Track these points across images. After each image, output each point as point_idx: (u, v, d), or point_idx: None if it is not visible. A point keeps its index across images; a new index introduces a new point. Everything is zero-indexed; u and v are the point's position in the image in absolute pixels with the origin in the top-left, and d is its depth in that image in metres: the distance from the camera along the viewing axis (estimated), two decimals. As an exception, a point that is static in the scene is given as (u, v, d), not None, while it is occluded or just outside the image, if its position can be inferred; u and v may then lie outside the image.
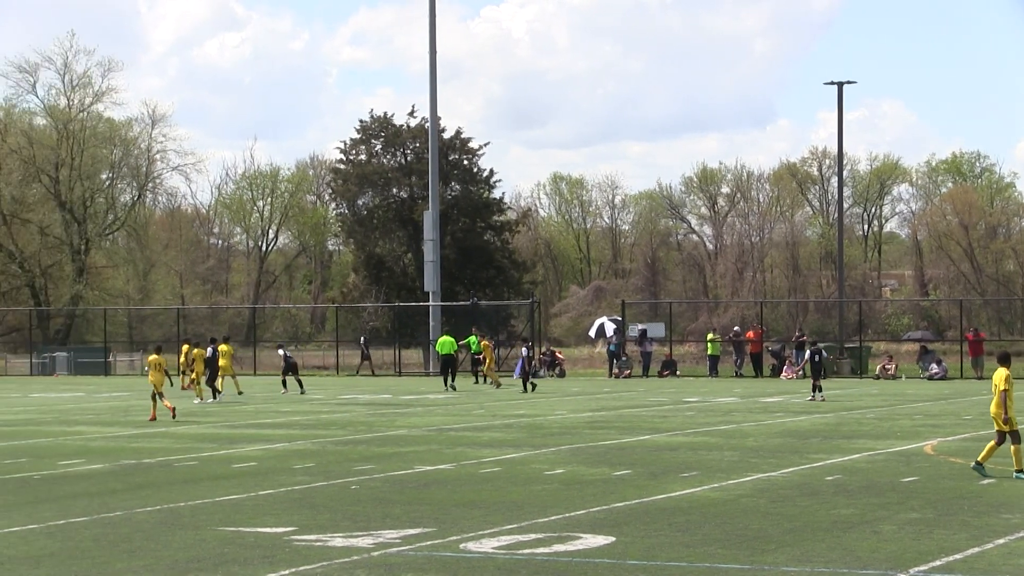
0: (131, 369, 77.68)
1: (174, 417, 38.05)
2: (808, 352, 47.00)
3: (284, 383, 53.02)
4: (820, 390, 45.30)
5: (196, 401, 47.52)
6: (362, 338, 74.49)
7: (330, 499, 21.00)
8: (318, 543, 16.86)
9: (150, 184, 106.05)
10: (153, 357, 40.86)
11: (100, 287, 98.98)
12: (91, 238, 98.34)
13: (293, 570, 15.23)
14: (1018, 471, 22.22)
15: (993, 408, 22.61)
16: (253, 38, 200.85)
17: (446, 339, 57.35)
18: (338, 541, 16.98)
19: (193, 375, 50.04)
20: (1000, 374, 22.61)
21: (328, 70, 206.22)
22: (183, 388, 52.29)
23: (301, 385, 52.44)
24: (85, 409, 44.64)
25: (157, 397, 39.31)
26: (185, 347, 54.61)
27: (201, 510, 19.99)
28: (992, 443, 22.55)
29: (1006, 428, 22.33)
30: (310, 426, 35.84)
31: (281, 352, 55.87)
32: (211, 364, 49.71)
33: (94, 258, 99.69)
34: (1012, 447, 22.33)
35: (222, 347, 51.28)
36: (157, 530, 18.12)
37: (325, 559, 15.80)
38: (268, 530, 17.93)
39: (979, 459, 22.57)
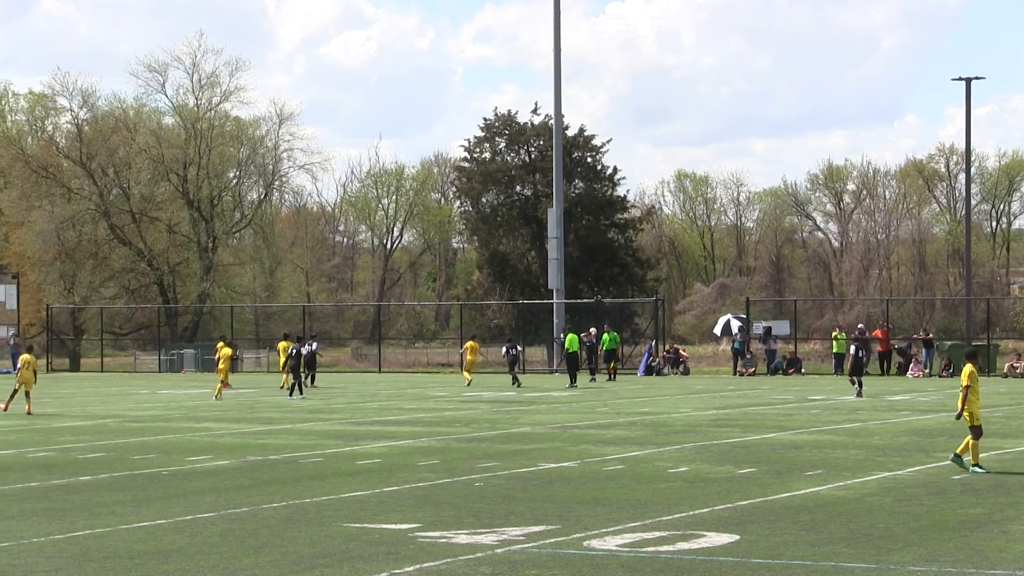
0: (257, 366, 78.45)
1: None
2: (853, 348, 47.39)
3: (301, 386, 49.29)
4: (860, 385, 46.10)
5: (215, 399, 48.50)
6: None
7: (454, 496, 21.07)
8: (442, 540, 16.91)
9: (276, 182, 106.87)
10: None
11: (227, 285, 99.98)
12: (218, 236, 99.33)
13: (418, 567, 15.28)
14: (975, 464, 23.26)
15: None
16: (379, 36, 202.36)
17: (573, 336, 57.58)
18: (462, 538, 17.02)
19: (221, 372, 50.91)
20: (965, 370, 23.59)
21: (453, 68, 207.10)
22: (281, 387, 53.88)
23: (301, 389, 49.05)
24: (212, 406, 45.14)
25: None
26: (283, 344, 56.05)
27: (326, 506, 20.14)
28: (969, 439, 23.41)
29: (974, 423, 23.32)
30: (434, 423, 35.99)
31: (308, 347, 52.71)
32: (310, 362, 50.68)
33: (221, 256, 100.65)
34: (971, 442, 23.25)
35: (282, 344, 56.02)
36: (283, 526, 18.28)
37: (449, 556, 15.85)
38: (393, 527, 18.02)
39: (971, 460, 23.36)
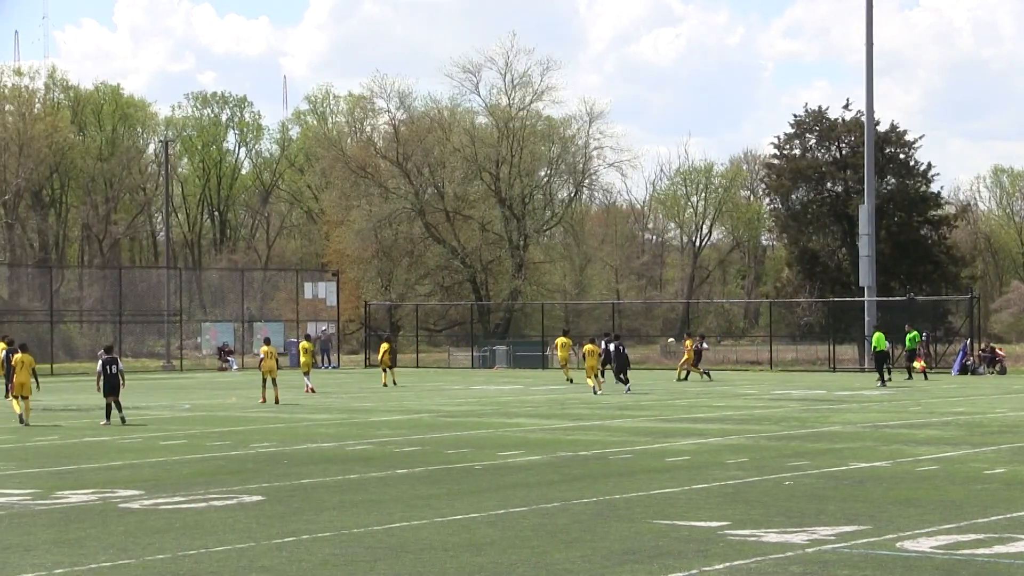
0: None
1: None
2: None
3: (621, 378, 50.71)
4: None
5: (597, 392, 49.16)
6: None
7: (764, 494, 20.99)
8: (752, 538, 16.88)
9: (586, 180, 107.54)
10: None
11: (537, 282, 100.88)
12: (529, 234, 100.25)
13: (727, 564, 15.28)
14: None
15: None
16: (688, 33, 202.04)
17: (880, 335, 56.81)
18: (772, 537, 16.96)
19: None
20: None
21: (763, 63, 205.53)
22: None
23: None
24: (523, 402, 45.75)
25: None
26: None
27: (635, 502, 20.26)
28: None
29: None
30: (743, 421, 35.85)
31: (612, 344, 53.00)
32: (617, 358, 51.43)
33: (532, 253, 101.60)
34: None
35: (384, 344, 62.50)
36: (593, 521, 18.45)
37: (759, 554, 15.81)
38: (702, 524, 18.04)
39: None
